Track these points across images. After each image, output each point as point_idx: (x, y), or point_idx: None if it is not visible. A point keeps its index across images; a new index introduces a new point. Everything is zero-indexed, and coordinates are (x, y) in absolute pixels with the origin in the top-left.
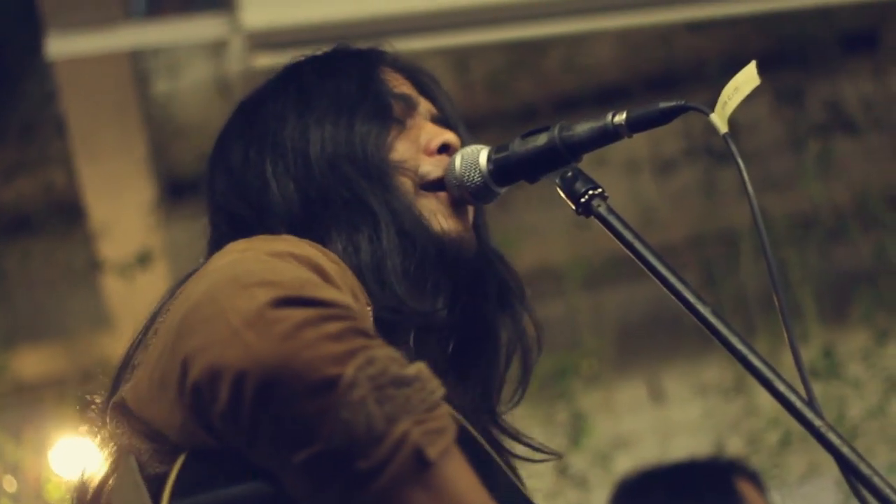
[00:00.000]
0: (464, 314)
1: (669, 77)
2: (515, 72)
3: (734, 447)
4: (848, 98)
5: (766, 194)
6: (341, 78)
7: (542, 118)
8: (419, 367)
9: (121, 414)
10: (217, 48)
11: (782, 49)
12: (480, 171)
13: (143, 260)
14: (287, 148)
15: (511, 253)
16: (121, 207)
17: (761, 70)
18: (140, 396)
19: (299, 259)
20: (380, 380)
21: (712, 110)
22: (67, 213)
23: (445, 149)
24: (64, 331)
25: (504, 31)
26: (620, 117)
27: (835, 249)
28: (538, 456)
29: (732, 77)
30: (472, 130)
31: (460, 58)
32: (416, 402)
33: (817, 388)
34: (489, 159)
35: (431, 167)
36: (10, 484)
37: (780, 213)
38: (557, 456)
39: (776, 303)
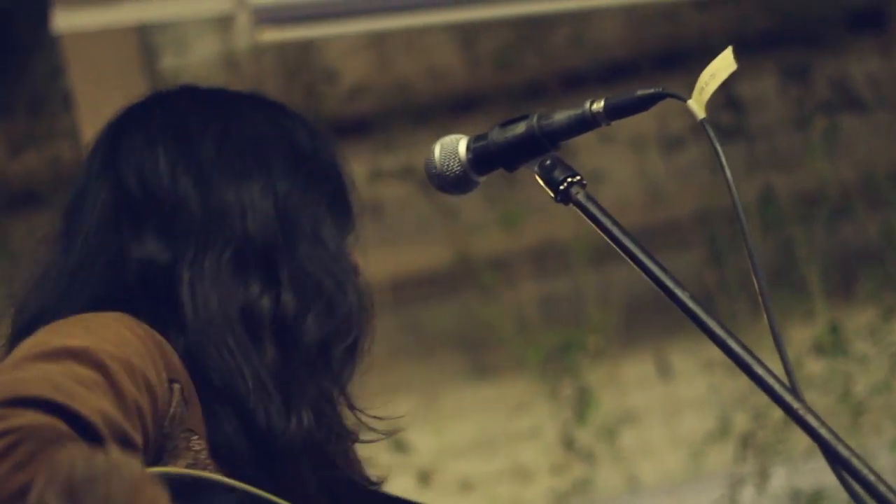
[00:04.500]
0: None
1: (676, 54)
2: (522, 48)
3: (740, 423)
4: (855, 76)
5: (772, 172)
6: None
7: (548, 95)
8: (113, 458)
9: None
10: (224, 23)
11: (789, 26)
12: (460, 160)
13: None
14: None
15: (517, 228)
16: None
17: (768, 47)
18: None
19: (77, 356)
20: (70, 489)
21: (689, 96)
22: None
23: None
24: None
25: (511, 7)
26: (598, 105)
27: (841, 227)
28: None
29: (711, 62)
30: (478, 107)
31: (467, 34)
32: (115, 496)
33: (823, 365)
34: (468, 148)
35: None
36: None
37: (787, 191)
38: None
39: (756, 286)
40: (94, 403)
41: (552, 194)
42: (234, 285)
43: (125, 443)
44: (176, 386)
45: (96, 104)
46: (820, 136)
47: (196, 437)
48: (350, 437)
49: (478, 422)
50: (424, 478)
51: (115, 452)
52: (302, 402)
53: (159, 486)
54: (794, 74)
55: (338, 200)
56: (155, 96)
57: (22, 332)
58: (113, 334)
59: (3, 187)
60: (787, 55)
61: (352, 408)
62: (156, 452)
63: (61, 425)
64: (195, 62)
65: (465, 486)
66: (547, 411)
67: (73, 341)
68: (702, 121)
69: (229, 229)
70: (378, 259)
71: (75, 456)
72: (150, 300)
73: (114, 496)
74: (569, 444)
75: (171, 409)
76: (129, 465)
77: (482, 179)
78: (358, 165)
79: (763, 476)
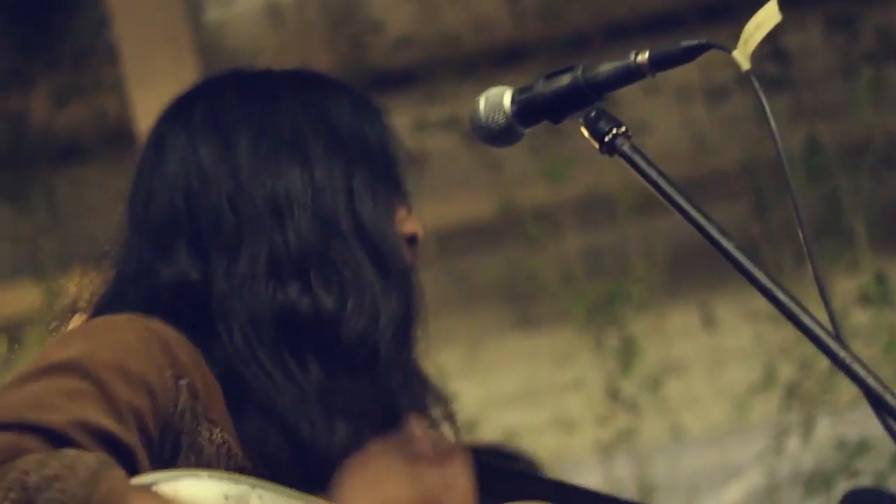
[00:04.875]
0: None
1: (721, 5)
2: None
3: (785, 373)
4: None
5: (817, 122)
6: (369, 132)
7: (593, 46)
8: (67, 456)
9: None
10: None
11: None
12: (504, 112)
13: None
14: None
15: (562, 180)
16: None
17: None
18: None
19: (67, 369)
20: (26, 495)
21: (735, 47)
22: (119, 140)
23: (413, 241)
24: None
25: None
26: (643, 56)
27: (887, 176)
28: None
29: (755, 13)
30: (523, 59)
31: None
32: (72, 491)
33: (869, 315)
34: (513, 100)
35: None
36: None
37: (832, 141)
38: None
39: (801, 236)
40: (71, 412)
41: (597, 146)
42: (267, 294)
43: (113, 444)
44: (182, 382)
45: (141, 57)
46: (866, 85)
47: (218, 429)
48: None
49: (522, 372)
50: (469, 428)
51: (71, 452)
52: (345, 412)
53: (118, 474)
54: (840, 24)
55: (384, 176)
56: (202, 86)
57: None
58: (113, 340)
59: (49, 140)
60: (832, 5)
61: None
62: (171, 448)
63: (26, 440)
64: (239, 14)
65: (510, 436)
66: (591, 362)
67: (67, 353)
68: (747, 72)
69: (263, 234)
70: (423, 210)
71: (28, 463)
72: (186, 317)
73: (70, 493)
74: (613, 394)
75: (179, 406)
76: (85, 460)
77: (527, 131)
78: (402, 117)
79: (808, 426)
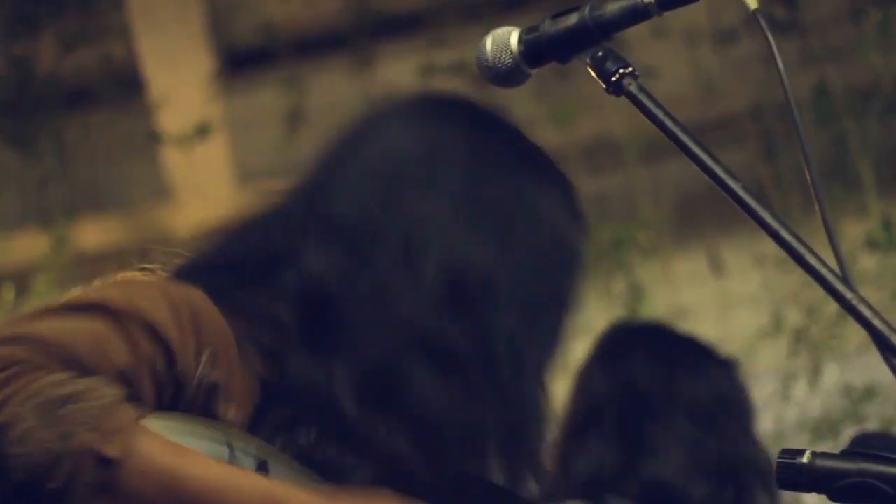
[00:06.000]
0: None
1: None
2: None
3: (792, 319)
4: None
5: (825, 65)
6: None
7: None
8: (90, 381)
9: None
10: None
11: None
12: (511, 53)
13: (202, 131)
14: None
15: (569, 124)
16: (179, 79)
17: None
18: None
19: (108, 312)
20: (45, 406)
21: None
22: (126, 85)
23: None
24: (124, 202)
25: None
26: None
27: (895, 120)
28: None
29: None
30: (529, 2)
31: None
32: (88, 412)
33: (876, 260)
34: (520, 40)
35: None
36: None
37: (840, 84)
38: None
39: (809, 178)
40: (94, 346)
41: (604, 86)
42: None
43: (129, 385)
44: (206, 349)
45: (147, 2)
46: (874, 29)
47: (234, 404)
48: None
49: None
50: None
51: (94, 379)
52: None
53: (133, 409)
54: None
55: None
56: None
57: None
58: (146, 297)
59: (56, 85)
60: None
61: None
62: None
63: (46, 359)
64: None
65: None
66: (599, 308)
67: (100, 295)
68: (754, 12)
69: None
70: None
71: (52, 378)
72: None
73: (86, 415)
74: None
75: (199, 371)
76: (107, 390)
77: (534, 72)
78: (409, 61)
79: (815, 372)
